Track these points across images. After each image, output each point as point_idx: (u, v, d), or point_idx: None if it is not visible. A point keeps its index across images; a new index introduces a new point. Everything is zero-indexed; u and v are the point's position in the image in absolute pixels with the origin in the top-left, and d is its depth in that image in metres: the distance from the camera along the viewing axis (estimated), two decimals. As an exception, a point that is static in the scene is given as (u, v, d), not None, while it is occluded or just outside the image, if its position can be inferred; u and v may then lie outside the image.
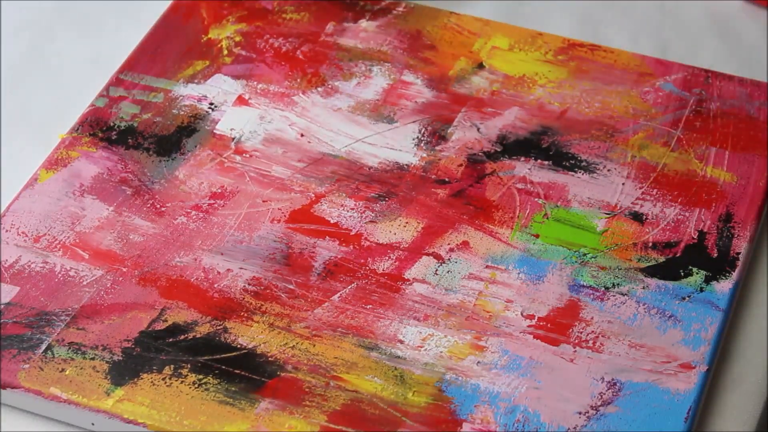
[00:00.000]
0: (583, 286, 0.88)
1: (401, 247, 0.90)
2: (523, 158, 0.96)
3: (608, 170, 0.95)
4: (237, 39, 1.04)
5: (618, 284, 0.88)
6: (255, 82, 1.01)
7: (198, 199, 0.93)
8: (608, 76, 1.01)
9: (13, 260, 0.89)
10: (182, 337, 0.86)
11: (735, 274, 0.88)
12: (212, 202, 0.93)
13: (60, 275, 0.89)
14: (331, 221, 0.92)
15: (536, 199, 0.93)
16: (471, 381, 0.83)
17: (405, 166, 0.95)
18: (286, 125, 0.98)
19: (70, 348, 0.85)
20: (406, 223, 0.92)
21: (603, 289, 0.88)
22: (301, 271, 0.89)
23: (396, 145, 0.97)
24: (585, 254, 0.90)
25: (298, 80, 1.01)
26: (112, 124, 0.98)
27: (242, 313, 0.87)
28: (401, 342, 0.85)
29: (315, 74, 1.02)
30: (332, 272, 0.89)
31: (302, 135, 0.97)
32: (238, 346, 0.85)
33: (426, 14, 1.06)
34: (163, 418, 0.82)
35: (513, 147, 0.96)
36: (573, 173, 0.95)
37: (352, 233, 0.91)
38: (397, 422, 0.82)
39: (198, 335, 0.86)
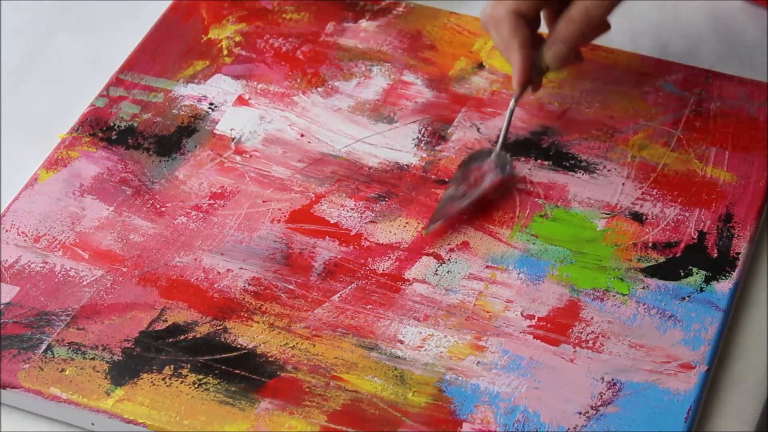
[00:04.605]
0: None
1: (401, 247, 0.90)
2: (523, 158, 0.96)
3: (608, 170, 0.95)
4: (237, 39, 1.04)
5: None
6: (255, 82, 1.01)
7: (198, 199, 0.93)
8: (608, 76, 1.01)
9: (13, 260, 0.89)
10: (182, 337, 0.86)
11: (735, 274, 0.88)
12: (212, 202, 0.93)
13: (60, 275, 0.89)
14: (331, 221, 0.92)
15: (536, 200, 0.93)
16: (471, 381, 0.83)
17: (405, 166, 0.95)
18: (286, 125, 0.98)
19: (70, 348, 0.85)
20: (406, 223, 0.92)
21: (603, 289, 0.88)
22: (301, 271, 0.89)
23: (396, 145, 0.97)
24: (585, 254, 0.90)
25: (298, 80, 1.01)
26: (112, 124, 0.98)
27: (242, 313, 0.87)
28: (401, 342, 0.85)
29: (315, 74, 1.02)
30: (332, 272, 0.89)
31: (302, 135, 0.97)
32: (238, 346, 0.85)
33: (426, 14, 1.06)
34: (163, 418, 0.82)
35: (513, 147, 0.96)
36: (573, 173, 0.95)
37: (352, 233, 0.91)
38: (397, 422, 0.82)
39: (198, 335, 0.86)
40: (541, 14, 0.95)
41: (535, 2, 0.92)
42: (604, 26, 0.93)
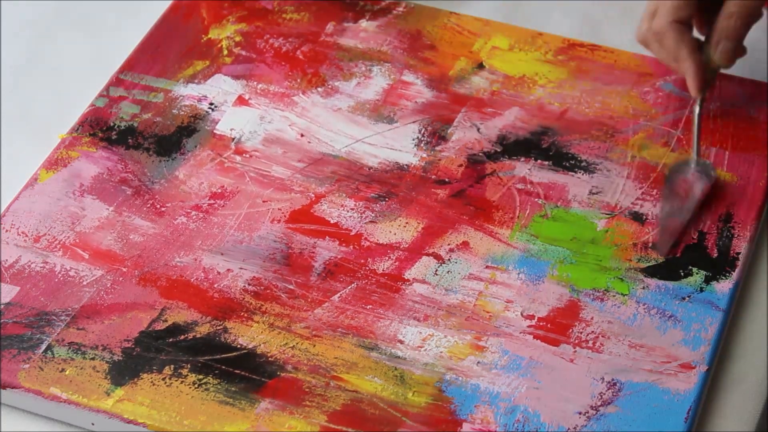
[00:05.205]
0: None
1: (401, 247, 0.90)
2: (523, 158, 0.96)
3: (608, 170, 0.95)
4: (237, 39, 1.04)
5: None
6: (255, 82, 1.01)
7: (198, 199, 0.93)
8: (608, 76, 1.01)
9: (13, 260, 0.89)
10: (182, 337, 0.86)
11: (735, 274, 0.88)
12: (212, 202, 0.93)
13: (60, 275, 0.89)
14: (331, 221, 0.92)
15: (536, 200, 0.93)
16: (471, 381, 0.83)
17: (405, 167, 0.95)
18: (286, 125, 0.98)
19: (70, 348, 0.85)
20: (406, 223, 0.92)
21: (603, 289, 0.88)
22: (301, 271, 0.89)
23: (396, 145, 0.97)
24: (585, 254, 0.90)
25: (298, 80, 1.01)
26: (112, 124, 0.98)
27: (242, 313, 0.87)
28: (401, 342, 0.85)
29: (315, 74, 1.02)
30: (332, 272, 0.89)
31: (302, 135, 0.98)
32: (238, 346, 0.85)
33: (426, 14, 1.06)
34: (163, 418, 0.82)
35: (513, 147, 0.96)
36: (573, 173, 0.95)
37: (352, 233, 0.91)
38: (397, 422, 0.82)
39: (198, 335, 0.86)
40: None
41: (691, 8, 0.93)
42: (759, 14, 0.94)
